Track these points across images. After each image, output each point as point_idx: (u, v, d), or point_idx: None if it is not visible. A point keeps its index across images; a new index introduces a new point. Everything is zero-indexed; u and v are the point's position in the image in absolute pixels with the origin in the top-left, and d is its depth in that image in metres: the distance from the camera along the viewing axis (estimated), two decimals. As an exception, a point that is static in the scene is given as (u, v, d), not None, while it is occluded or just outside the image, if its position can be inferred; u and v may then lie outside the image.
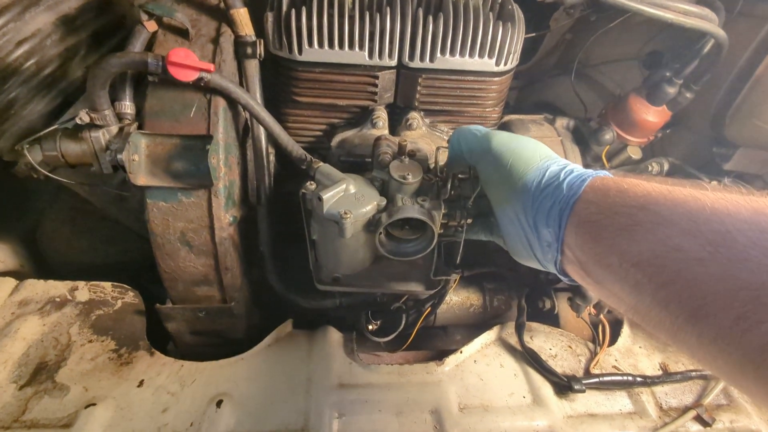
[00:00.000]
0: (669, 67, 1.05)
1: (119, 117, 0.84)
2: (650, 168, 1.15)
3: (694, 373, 0.91)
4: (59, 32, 0.94)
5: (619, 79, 1.47)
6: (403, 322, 1.02)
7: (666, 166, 1.13)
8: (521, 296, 1.06)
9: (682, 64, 1.02)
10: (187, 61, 0.74)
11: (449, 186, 0.82)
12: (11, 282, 0.95)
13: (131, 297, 0.97)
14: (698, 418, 0.83)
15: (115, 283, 0.98)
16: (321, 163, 0.88)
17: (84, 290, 0.96)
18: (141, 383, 0.81)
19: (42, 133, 0.82)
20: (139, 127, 0.85)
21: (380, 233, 0.81)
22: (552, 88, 1.73)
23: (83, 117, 0.78)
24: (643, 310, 0.43)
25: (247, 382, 0.83)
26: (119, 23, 1.12)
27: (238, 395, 0.80)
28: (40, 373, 0.81)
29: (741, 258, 0.35)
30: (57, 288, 0.95)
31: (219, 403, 0.78)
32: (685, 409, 0.85)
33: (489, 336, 0.97)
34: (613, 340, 0.99)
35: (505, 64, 0.97)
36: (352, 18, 0.90)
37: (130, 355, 0.86)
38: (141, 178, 0.81)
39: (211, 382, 0.82)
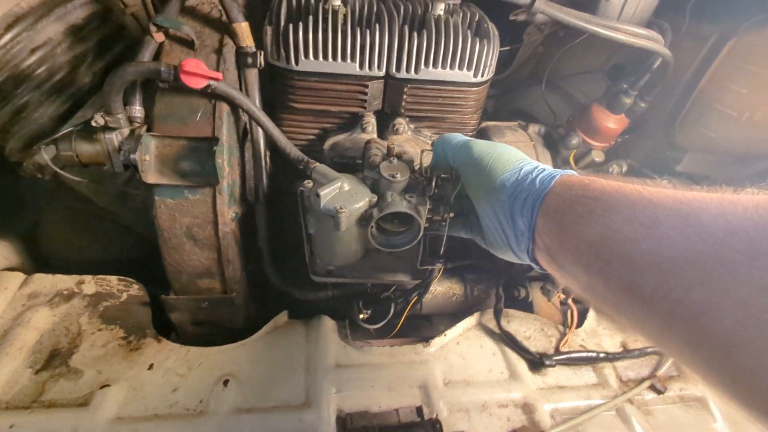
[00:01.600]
0: (626, 79, 1.19)
1: (130, 120, 0.90)
2: (611, 169, 1.27)
3: (649, 350, 1.02)
4: (68, 41, 1.00)
5: (587, 89, 1.61)
6: (392, 310, 1.10)
7: (625, 168, 1.26)
8: (498, 285, 1.17)
9: (636, 78, 1.15)
10: (198, 70, 0.82)
11: (433, 184, 0.92)
12: (20, 276, 1.00)
13: (136, 290, 1.03)
14: (652, 387, 0.95)
15: (120, 277, 1.04)
16: (317, 164, 0.96)
17: (91, 283, 1.01)
18: (151, 366, 0.87)
19: (58, 135, 0.88)
20: (148, 130, 0.92)
21: (372, 227, 0.90)
22: (526, 97, 1.86)
23: (98, 120, 0.85)
24: (593, 286, 0.52)
25: (250, 364, 0.90)
26: (120, 32, 1.19)
27: (242, 375, 0.87)
28: (55, 358, 0.86)
29: (664, 237, 0.43)
30: (64, 281, 1.00)
31: (225, 383, 0.85)
32: (642, 380, 0.96)
33: (470, 321, 1.07)
34: (581, 323, 1.10)
35: (482, 75, 1.08)
36: (344, 32, 1.00)
37: (138, 342, 0.92)
38: (151, 176, 0.88)
39: (216, 365, 0.89)
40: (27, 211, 1.28)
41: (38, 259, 1.20)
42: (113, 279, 1.03)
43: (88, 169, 0.95)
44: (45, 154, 0.89)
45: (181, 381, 0.85)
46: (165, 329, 1.03)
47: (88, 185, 1.07)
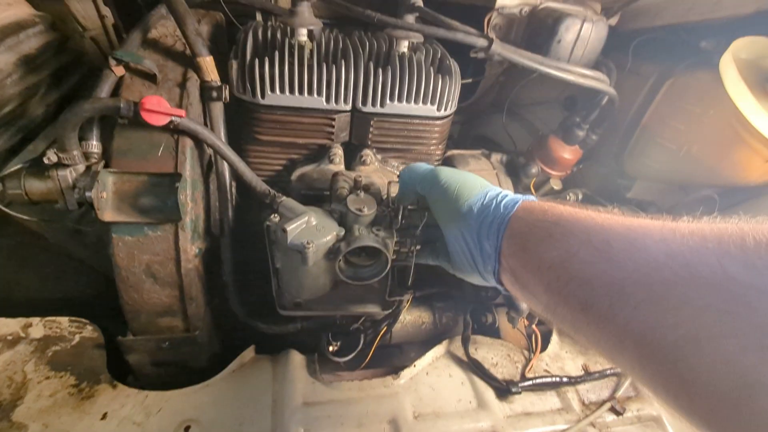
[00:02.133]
0: (578, 113, 1.27)
1: (86, 156, 0.87)
2: (568, 197, 1.34)
3: (609, 371, 1.07)
4: (20, 72, 0.96)
5: (544, 117, 1.70)
6: (362, 341, 1.10)
7: (580, 196, 1.33)
8: (466, 313, 1.19)
9: (587, 113, 1.23)
10: (159, 108, 0.80)
11: (400, 216, 0.94)
12: (-43, 322, 0.92)
13: (90, 331, 0.97)
14: (612, 409, 0.99)
15: (73, 318, 0.98)
16: (284, 198, 0.96)
17: (38, 326, 0.94)
18: (104, 416, 0.82)
19: (6, 172, 0.83)
20: (106, 166, 0.89)
21: (340, 260, 0.90)
22: (489, 124, 1.94)
23: (51, 157, 0.81)
24: (553, 306, 0.55)
25: (213, 407, 0.87)
26: (77, 62, 1.16)
27: (205, 421, 0.84)
28: (-5, 413, 0.79)
29: (614, 260, 0.47)
30: (8, 325, 0.93)
31: (186, 429, 0.81)
32: (602, 402, 1.00)
33: (439, 350, 1.08)
34: (545, 347, 1.13)
35: (445, 109, 1.12)
36: (310, 67, 1.02)
37: (91, 389, 0.86)
38: (108, 214, 0.85)
39: (177, 410, 0.85)
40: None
41: (-21, 299, 1.11)
42: (64, 320, 0.97)
43: (36, 206, 0.91)
44: (-10, 192, 0.84)
45: (137, 430, 0.81)
46: (122, 372, 0.98)
47: (38, 222, 1.01)
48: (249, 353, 1.03)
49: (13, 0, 1.02)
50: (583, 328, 0.51)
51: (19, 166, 0.85)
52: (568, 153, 1.30)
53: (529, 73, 1.46)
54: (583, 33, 1.09)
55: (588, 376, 1.05)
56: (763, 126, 0.88)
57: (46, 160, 0.81)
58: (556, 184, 1.37)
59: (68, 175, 0.84)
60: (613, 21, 1.29)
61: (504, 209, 0.64)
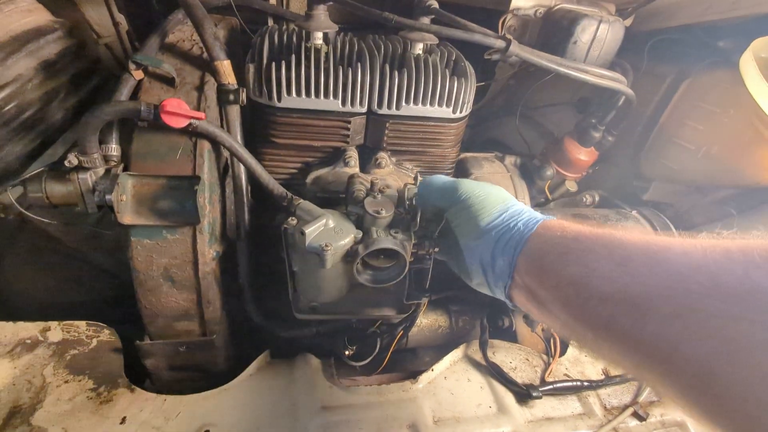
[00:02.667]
0: (594, 115, 1.26)
1: (105, 159, 0.87)
2: (585, 199, 1.33)
3: (630, 376, 1.05)
4: (40, 77, 0.97)
5: (557, 120, 1.69)
6: (378, 345, 1.09)
7: (597, 198, 1.32)
8: (483, 316, 1.17)
9: (603, 114, 1.22)
10: (179, 110, 0.80)
11: (418, 219, 0.93)
12: (-24, 325, 0.92)
13: (107, 335, 0.97)
14: (635, 414, 0.97)
15: (90, 322, 0.97)
16: (301, 200, 0.96)
17: (56, 330, 0.94)
18: (123, 420, 0.82)
19: (27, 175, 0.84)
20: (125, 169, 0.89)
21: (357, 263, 0.89)
22: (500, 127, 1.93)
23: (72, 160, 0.81)
24: (572, 323, 0.54)
25: (232, 411, 0.86)
26: (95, 66, 1.16)
27: (224, 425, 0.83)
28: (15, 416, 0.79)
29: (636, 274, 0.47)
30: (27, 329, 0.93)
31: (206, 434, 0.80)
32: (625, 407, 0.98)
33: (457, 354, 1.06)
34: (564, 351, 1.12)
35: (461, 111, 1.11)
36: (326, 70, 1.02)
37: (109, 393, 0.86)
38: (127, 217, 0.85)
39: (196, 414, 0.84)
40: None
41: (-3, 303, 1.12)
42: (82, 324, 0.97)
43: (56, 209, 0.91)
44: (11, 195, 0.85)
45: (157, 435, 0.80)
46: (139, 376, 0.97)
47: (57, 225, 1.02)
48: (265, 357, 1.02)
49: (33, 6, 1.03)
50: (605, 346, 0.50)
51: (40, 170, 0.85)
52: (583, 155, 1.29)
53: (542, 76, 1.46)
54: (600, 34, 1.08)
55: (609, 380, 1.03)
56: (788, 125, 0.87)
57: (67, 163, 0.81)
58: (571, 186, 1.36)
59: (88, 178, 0.84)
60: (628, 22, 1.28)
61: (524, 227, 0.63)
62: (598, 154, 1.31)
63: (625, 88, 1.10)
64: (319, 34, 1.05)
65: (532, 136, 1.71)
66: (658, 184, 1.33)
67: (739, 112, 1.02)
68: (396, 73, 1.04)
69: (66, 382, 0.86)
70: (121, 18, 1.40)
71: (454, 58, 1.14)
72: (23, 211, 0.86)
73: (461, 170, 1.41)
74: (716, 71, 1.10)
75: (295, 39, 1.08)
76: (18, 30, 0.94)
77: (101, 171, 0.86)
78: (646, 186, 1.35)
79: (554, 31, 1.13)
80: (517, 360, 1.07)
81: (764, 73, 0.97)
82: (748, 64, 0.93)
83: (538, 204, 1.45)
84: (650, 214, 1.12)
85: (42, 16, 1.04)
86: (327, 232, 0.89)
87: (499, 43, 0.99)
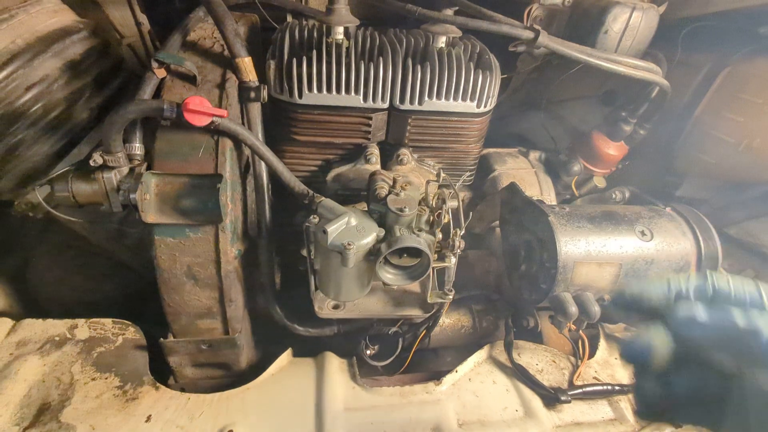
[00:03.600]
0: (625, 107, 1.21)
1: (129, 158, 0.88)
2: (614, 196, 1.28)
3: (664, 381, 1.00)
4: (66, 77, 0.98)
5: (582, 113, 1.63)
6: (400, 345, 1.07)
7: (627, 194, 1.27)
8: (507, 316, 1.14)
9: (635, 106, 1.17)
10: (202, 108, 0.80)
11: (441, 216, 0.91)
12: (8, 322, 0.94)
13: (132, 333, 0.98)
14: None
15: (116, 319, 0.99)
16: (323, 198, 0.94)
17: (84, 328, 0.96)
18: (149, 418, 0.82)
19: (54, 175, 0.84)
20: (148, 168, 0.90)
21: (380, 261, 0.87)
22: (521, 121, 1.88)
23: (97, 159, 0.82)
24: None
25: (255, 411, 0.86)
26: (119, 66, 1.17)
27: (247, 425, 0.83)
28: (44, 414, 0.80)
29: None
30: (56, 326, 0.95)
31: (230, 433, 0.80)
32: (659, 414, 0.93)
33: (481, 355, 1.04)
34: (593, 354, 1.08)
35: (485, 106, 1.08)
36: (347, 66, 1.00)
37: (135, 391, 0.87)
38: (151, 216, 0.85)
39: (219, 413, 0.84)
40: (15, 250, 1.23)
41: (26, 300, 1.14)
42: (108, 322, 0.98)
43: (82, 208, 0.92)
44: (38, 194, 0.86)
45: (182, 433, 0.80)
46: (163, 372, 0.98)
47: (83, 224, 1.03)
48: (287, 356, 1.02)
49: (59, 7, 1.04)
50: None
51: (66, 169, 0.86)
52: (613, 149, 1.24)
53: (567, 68, 1.41)
54: (632, 22, 1.04)
55: (642, 384, 0.99)
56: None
57: (92, 163, 0.81)
58: (599, 183, 1.31)
59: (113, 177, 0.84)
60: (661, 9, 1.22)
61: None
62: (628, 149, 1.26)
63: (661, 79, 1.05)
64: (340, 29, 1.03)
65: (556, 130, 1.65)
66: (691, 179, 1.27)
67: (784, 102, 0.96)
68: (419, 67, 1.01)
69: (93, 379, 0.87)
70: (143, 18, 1.41)
71: (478, 51, 1.11)
72: (50, 209, 0.88)
73: (484, 166, 1.38)
74: (757, 59, 1.04)
75: (315, 34, 1.06)
76: (44, 31, 0.96)
77: (125, 170, 0.87)
78: (679, 181, 1.29)
79: (583, 21, 1.08)
80: (543, 362, 1.04)
81: (813, 61, 0.91)
82: (796, 51, 0.87)
83: (564, 201, 1.40)
84: (685, 210, 1.07)
85: (67, 17, 1.05)
86: (349, 231, 0.87)
87: (527, 34, 0.95)
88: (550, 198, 1.31)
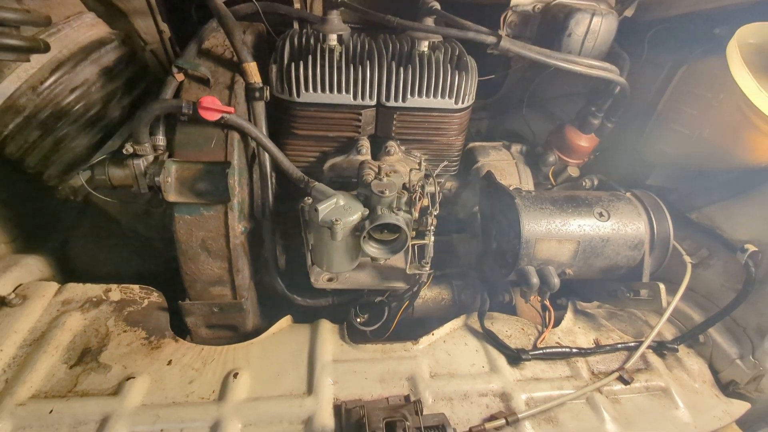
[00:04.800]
0: (594, 103, 1.32)
1: (154, 148, 1.05)
2: (584, 183, 1.40)
3: (620, 346, 1.12)
4: (102, 80, 1.16)
5: (571, 110, 1.73)
6: (386, 313, 1.21)
7: (596, 182, 1.39)
8: (484, 290, 1.28)
9: (602, 101, 1.29)
10: (214, 105, 0.96)
11: (417, 198, 1.05)
12: (55, 285, 1.13)
13: (155, 297, 1.15)
14: (620, 379, 1.04)
15: (142, 285, 1.16)
16: (316, 183, 1.09)
17: (116, 291, 1.14)
18: (170, 362, 0.99)
19: (94, 161, 1.02)
20: (169, 156, 1.06)
21: (364, 236, 1.02)
22: (516, 118, 1.99)
23: (129, 148, 0.99)
24: None
25: (258, 359, 1.01)
26: (144, 71, 1.35)
27: (251, 369, 0.98)
28: (86, 355, 0.98)
29: None
30: (93, 290, 1.13)
31: (235, 375, 0.96)
32: (611, 372, 1.05)
33: (457, 322, 1.17)
34: (558, 323, 1.20)
35: (463, 102, 1.22)
36: (339, 68, 1.15)
37: (158, 342, 1.04)
38: (172, 195, 1.02)
39: (228, 360, 1.00)
40: (56, 231, 1.42)
41: (67, 271, 1.33)
42: (136, 287, 1.15)
43: (115, 190, 1.09)
44: (81, 178, 1.04)
45: (196, 374, 0.96)
46: (182, 334, 1.15)
47: (115, 205, 1.21)
48: (287, 320, 1.17)
49: (96, 21, 1.22)
50: None
51: (103, 157, 1.04)
52: (584, 141, 1.36)
53: (548, 67, 1.52)
54: (593, 26, 1.15)
55: (599, 348, 1.11)
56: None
57: (124, 151, 0.99)
58: (573, 172, 1.43)
59: (141, 163, 1.01)
60: (629, 12, 1.33)
61: None
62: (599, 141, 1.37)
63: (616, 77, 1.17)
64: (334, 36, 1.19)
65: (545, 126, 1.76)
66: (660, 168, 1.38)
67: (728, 96, 1.06)
68: (402, 69, 1.16)
69: (124, 331, 1.05)
70: (164, 26, 1.59)
71: (457, 54, 1.24)
72: (92, 191, 1.05)
73: (469, 158, 1.51)
74: (709, 58, 1.14)
75: (312, 41, 1.22)
76: (84, 42, 1.14)
77: (151, 158, 1.04)
78: (648, 171, 1.39)
79: (551, 25, 1.21)
80: (512, 329, 1.17)
81: (754, 58, 1.02)
82: (732, 51, 0.98)
83: (545, 189, 1.52)
84: (642, 195, 1.18)
85: (102, 29, 1.23)
86: (337, 209, 1.02)
87: (491, 39, 1.08)
88: (528, 186, 1.44)
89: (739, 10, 1.12)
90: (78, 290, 1.12)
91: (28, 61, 0.97)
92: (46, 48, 0.96)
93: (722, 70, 1.04)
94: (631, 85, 1.22)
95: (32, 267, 1.20)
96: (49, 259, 1.29)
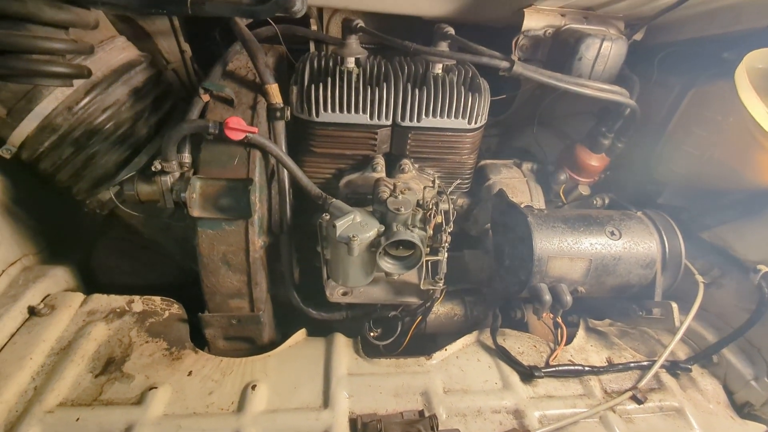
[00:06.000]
0: (604, 123, 1.35)
1: (180, 165, 1.09)
2: (595, 202, 1.42)
3: (633, 364, 1.12)
4: (131, 100, 1.22)
5: (580, 128, 1.76)
6: (399, 328, 1.24)
7: (607, 200, 1.40)
8: (496, 307, 1.29)
9: (612, 122, 1.32)
10: (239, 126, 1.01)
11: (432, 216, 1.08)
12: (80, 296, 1.17)
13: (176, 308, 1.18)
14: (634, 398, 1.04)
15: (163, 297, 1.20)
16: (333, 199, 1.13)
17: (138, 303, 1.17)
18: (190, 373, 1.02)
19: (124, 177, 1.07)
20: (194, 173, 1.11)
21: (380, 252, 1.05)
22: (526, 136, 2.03)
23: (157, 165, 1.04)
24: None
25: (275, 372, 1.04)
26: (168, 91, 1.41)
27: (268, 382, 1.01)
28: (110, 365, 1.01)
29: None
30: (117, 301, 1.17)
31: (253, 387, 0.98)
32: (624, 391, 1.06)
33: (469, 338, 1.19)
34: (570, 340, 1.21)
35: (476, 122, 1.25)
36: (357, 90, 1.20)
37: (179, 353, 1.07)
38: (196, 211, 1.06)
39: (246, 373, 1.03)
40: (82, 242, 1.47)
41: (91, 282, 1.37)
42: (157, 299, 1.19)
43: (142, 205, 1.14)
44: (111, 192, 1.08)
45: (215, 386, 0.99)
46: (201, 346, 1.18)
47: (140, 218, 1.26)
48: (301, 334, 1.20)
49: (126, 44, 1.28)
50: None
51: (132, 174, 1.09)
52: (594, 160, 1.38)
53: (558, 89, 1.56)
54: (603, 50, 1.19)
55: (611, 367, 1.12)
56: (776, 131, 0.94)
57: (153, 168, 1.03)
58: (584, 190, 1.45)
59: (168, 180, 1.06)
60: (639, 36, 1.37)
61: None
62: (610, 160, 1.40)
63: (626, 99, 1.20)
64: (352, 59, 1.24)
65: (555, 143, 1.79)
66: (672, 188, 1.39)
67: (738, 119, 1.08)
68: (417, 90, 1.20)
69: (146, 342, 1.08)
70: (186, 46, 1.66)
71: (470, 76, 1.28)
72: (119, 205, 1.10)
73: (481, 175, 1.54)
74: (718, 81, 1.17)
75: (331, 63, 1.27)
76: (117, 64, 1.20)
77: (177, 174, 1.08)
78: (660, 190, 1.41)
79: (562, 49, 1.25)
80: (525, 346, 1.18)
81: (762, 83, 1.04)
82: (740, 76, 1.01)
83: (556, 207, 1.54)
84: (654, 214, 1.19)
85: (132, 52, 1.29)
86: (354, 226, 1.05)
87: (504, 64, 1.12)
88: (539, 204, 1.46)
89: (746, 36, 1.15)
90: (102, 301, 1.16)
91: (72, 86, 1.03)
92: (89, 74, 1.03)
93: (732, 94, 1.06)
94: (641, 106, 1.25)
95: (59, 278, 1.24)
96: (75, 270, 1.33)
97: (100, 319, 1.11)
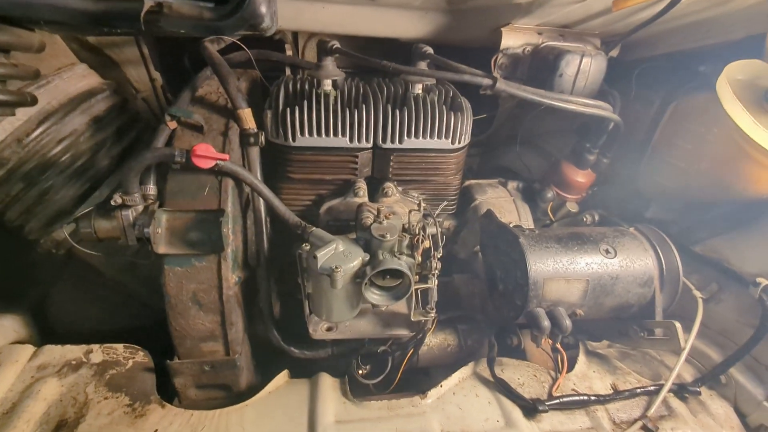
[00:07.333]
0: (588, 139, 1.33)
1: (144, 198, 1.00)
2: (585, 219, 1.38)
3: (639, 390, 1.06)
4: (91, 130, 1.13)
5: (560, 145, 1.76)
6: (389, 363, 1.14)
7: (597, 217, 1.37)
8: (491, 335, 1.22)
9: (596, 138, 1.30)
10: (207, 153, 0.93)
11: (420, 241, 1.01)
12: (30, 348, 1.04)
13: (141, 356, 1.06)
14: (645, 428, 0.97)
15: (127, 344, 1.08)
16: (314, 228, 1.05)
17: (98, 352, 1.05)
18: (156, 432, 0.89)
19: (79, 214, 0.97)
20: (160, 206, 1.02)
21: (366, 283, 0.97)
22: (507, 155, 2.01)
23: (117, 199, 0.94)
24: None
25: (254, 425, 0.92)
26: (135, 119, 1.33)
27: (245, 437, 0.89)
28: (61, 429, 0.88)
29: None
30: (73, 351, 1.04)
31: (229, 445, 0.87)
32: (633, 421, 0.99)
33: (465, 371, 1.10)
34: (571, 367, 1.14)
35: (459, 142, 1.21)
36: (335, 112, 1.14)
37: (143, 408, 0.94)
38: (162, 247, 0.96)
39: (220, 428, 0.91)
40: (34, 285, 1.34)
41: (46, 330, 1.24)
42: (120, 347, 1.07)
43: (101, 243, 1.03)
44: (65, 231, 0.98)
45: (185, 446, 0.87)
46: (170, 395, 1.05)
47: (100, 257, 1.15)
48: (283, 377, 1.09)
49: (87, 72, 1.21)
50: None
51: (89, 209, 0.99)
52: (581, 177, 1.36)
53: (537, 106, 1.55)
54: (583, 66, 1.18)
55: (617, 394, 1.05)
56: (764, 140, 0.92)
57: (113, 202, 0.94)
58: (572, 207, 1.42)
59: (130, 214, 0.97)
60: (615, 52, 1.38)
61: None
62: (596, 176, 1.37)
63: (610, 114, 1.18)
64: (328, 81, 1.19)
65: (538, 162, 1.78)
66: (659, 201, 1.37)
67: (722, 130, 1.08)
68: (397, 111, 1.16)
69: (105, 398, 0.95)
70: (156, 75, 1.60)
71: (451, 95, 1.25)
72: (75, 245, 0.99)
73: (466, 196, 1.49)
74: (698, 94, 1.17)
75: (307, 86, 1.22)
76: (74, 93, 1.12)
77: (141, 208, 0.99)
78: (647, 204, 1.39)
79: (541, 66, 1.23)
80: (525, 376, 1.10)
81: (741, 94, 1.04)
82: (723, 87, 1.00)
83: (544, 226, 1.50)
84: (647, 230, 1.16)
85: (94, 79, 1.22)
86: (337, 256, 0.97)
87: (486, 81, 1.09)
88: (527, 223, 1.42)
89: (719, 49, 1.16)
90: (56, 353, 1.03)
91: (13, 114, 0.94)
92: (33, 101, 0.94)
93: (713, 106, 1.05)
94: (623, 121, 1.24)
95: (7, 328, 1.11)
96: (26, 318, 1.20)
97: (52, 375, 0.98)
